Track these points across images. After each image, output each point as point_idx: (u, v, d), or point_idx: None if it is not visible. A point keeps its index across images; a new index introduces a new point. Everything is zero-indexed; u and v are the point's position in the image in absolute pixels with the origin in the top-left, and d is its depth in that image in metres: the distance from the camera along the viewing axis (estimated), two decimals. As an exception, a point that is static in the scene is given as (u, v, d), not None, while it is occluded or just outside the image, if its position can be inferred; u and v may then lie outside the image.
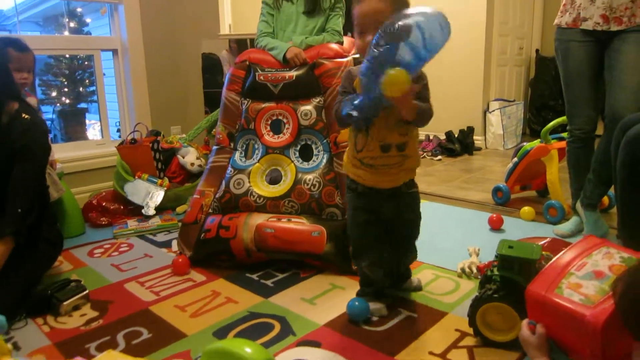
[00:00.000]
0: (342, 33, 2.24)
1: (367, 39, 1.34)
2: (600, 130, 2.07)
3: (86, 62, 5.14)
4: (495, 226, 2.30)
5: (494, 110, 4.40)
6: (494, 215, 2.33)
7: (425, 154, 4.24)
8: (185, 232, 2.02)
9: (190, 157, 2.91)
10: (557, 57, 2.12)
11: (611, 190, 2.02)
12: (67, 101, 5.16)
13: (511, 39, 4.75)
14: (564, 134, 2.30)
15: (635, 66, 1.89)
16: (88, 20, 5.27)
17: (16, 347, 1.41)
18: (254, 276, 1.86)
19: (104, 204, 2.66)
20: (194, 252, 1.96)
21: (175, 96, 3.42)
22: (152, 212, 2.61)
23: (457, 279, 1.79)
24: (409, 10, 1.22)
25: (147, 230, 2.43)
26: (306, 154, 2.02)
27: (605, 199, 2.44)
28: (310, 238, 1.81)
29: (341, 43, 2.19)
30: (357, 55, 2.07)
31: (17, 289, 1.59)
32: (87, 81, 5.29)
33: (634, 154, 1.57)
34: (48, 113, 4.58)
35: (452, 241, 2.16)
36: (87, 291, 1.68)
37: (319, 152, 2.00)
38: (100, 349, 1.40)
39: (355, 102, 1.27)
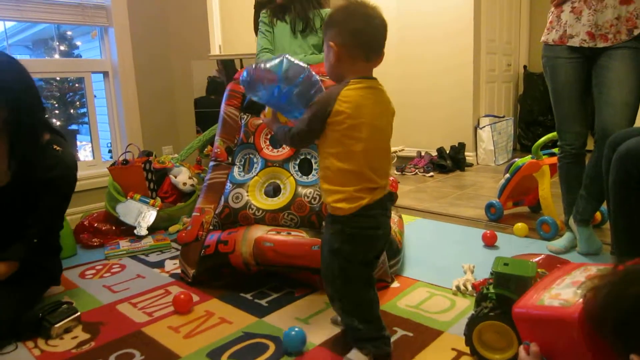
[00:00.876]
0: None
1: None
2: (591, 146, 2.10)
3: (77, 84, 5.14)
4: (489, 243, 2.30)
5: (484, 127, 4.44)
6: (488, 232, 2.34)
7: (417, 170, 4.26)
8: (186, 251, 2.00)
9: (182, 177, 2.90)
10: (545, 74, 2.15)
11: (604, 206, 2.04)
12: (58, 123, 5.14)
13: (499, 56, 4.82)
14: (555, 150, 2.32)
15: (622, 82, 1.92)
16: (78, 43, 5.29)
17: (6, 372, 1.39)
18: (248, 296, 1.84)
19: (95, 224, 2.63)
20: (196, 270, 1.94)
21: (166, 116, 3.43)
22: (144, 232, 2.59)
23: (452, 296, 1.78)
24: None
25: (139, 251, 2.41)
26: (305, 168, 2.01)
27: (598, 215, 2.45)
28: (310, 252, 1.79)
29: None
30: None
31: (9, 315, 1.56)
32: (77, 103, 5.29)
33: (626, 170, 1.58)
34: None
35: (446, 258, 2.16)
36: (78, 313, 1.66)
37: (318, 166, 1.99)
38: (92, 373, 1.37)
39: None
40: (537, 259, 1.74)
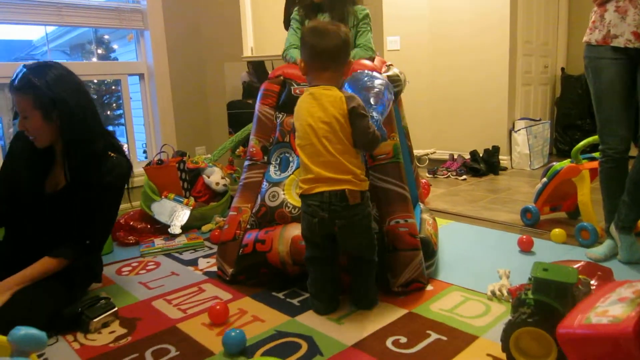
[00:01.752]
0: (374, 49, 2.25)
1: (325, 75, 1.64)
2: (634, 151, 2.03)
3: (113, 87, 5.27)
4: (525, 248, 2.25)
5: (519, 130, 4.35)
6: (524, 237, 2.28)
7: (449, 173, 4.20)
8: (224, 250, 2.01)
9: (215, 177, 2.94)
10: (587, 75, 2.09)
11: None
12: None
13: (535, 58, 4.72)
14: (595, 154, 2.25)
15: (669, 85, 1.85)
16: (115, 46, 5.42)
17: (47, 364, 1.43)
18: (280, 295, 1.84)
19: (131, 223, 2.69)
20: (235, 269, 1.96)
21: (199, 117, 3.48)
22: (178, 231, 2.63)
23: (487, 301, 1.75)
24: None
25: (173, 249, 2.45)
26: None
27: (641, 222, 2.37)
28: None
29: (373, 59, 2.19)
30: (391, 73, 2.07)
31: (49, 309, 1.61)
32: (114, 105, 5.42)
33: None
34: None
35: (480, 262, 2.12)
36: (116, 308, 1.69)
37: None
38: (129, 367, 1.40)
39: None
40: (576, 266, 1.70)
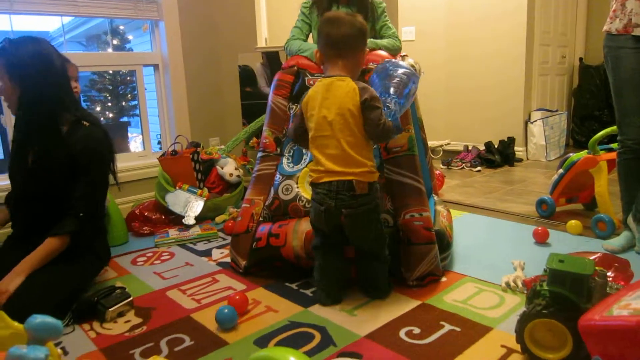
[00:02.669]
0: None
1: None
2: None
3: (128, 78, 5.31)
4: (541, 239, 2.22)
5: (535, 121, 4.29)
6: (539, 228, 2.26)
7: (464, 165, 4.17)
8: (237, 242, 2.02)
9: (228, 168, 2.95)
10: (607, 65, 2.04)
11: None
12: (111, 115, 5.33)
13: (553, 48, 4.64)
14: (613, 145, 2.21)
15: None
16: (130, 37, 5.45)
17: (65, 351, 1.45)
18: (294, 285, 1.85)
19: (146, 213, 2.72)
20: (248, 262, 1.96)
21: (213, 108, 3.49)
22: (192, 221, 2.66)
23: (502, 293, 1.73)
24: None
25: (187, 240, 2.46)
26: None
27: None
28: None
29: (400, 49, 2.19)
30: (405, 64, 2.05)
31: (60, 296, 1.64)
32: (129, 96, 5.46)
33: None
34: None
35: (494, 254, 2.10)
36: (131, 298, 1.71)
37: None
38: (145, 355, 1.42)
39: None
40: (593, 257, 1.68)
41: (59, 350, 1.21)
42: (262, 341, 1.47)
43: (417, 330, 1.49)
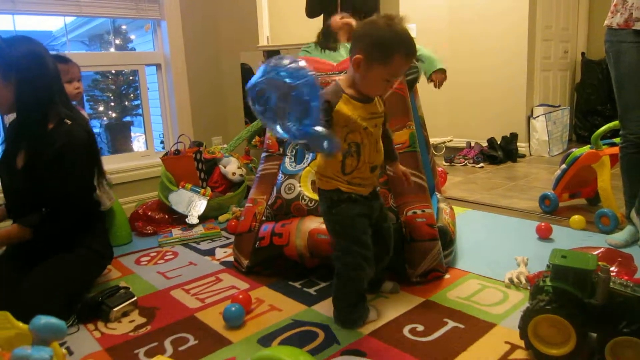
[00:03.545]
0: None
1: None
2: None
3: (131, 77, 5.31)
4: (544, 235, 2.22)
5: (538, 116, 4.28)
6: (543, 224, 2.25)
7: (466, 161, 4.16)
8: (240, 241, 2.02)
9: (231, 167, 2.96)
10: (608, 60, 2.04)
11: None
12: (114, 115, 5.34)
13: (555, 43, 4.62)
14: (616, 140, 2.20)
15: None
16: (132, 36, 5.45)
17: (69, 351, 1.46)
18: (297, 284, 1.85)
19: (149, 213, 2.72)
20: (251, 261, 1.97)
21: (216, 107, 3.49)
22: (195, 221, 2.66)
23: (505, 289, 1.73)
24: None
25: (191, 239, 2.47)
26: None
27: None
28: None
29: None
30: None
31: (60, 296, 1.63)
32: (131, 95, 5.47)
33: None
34: (96, 127, 4.76)
35: (498, 250, 2.10)
36: (135, 298, 1.72)
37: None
38: (149, 354, 1.42)
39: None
40: (596, 252, 1.67)
41: (64, 350, 1.22)
42: (265, 340, 1.47)
43: (420, 328, 1.49)
